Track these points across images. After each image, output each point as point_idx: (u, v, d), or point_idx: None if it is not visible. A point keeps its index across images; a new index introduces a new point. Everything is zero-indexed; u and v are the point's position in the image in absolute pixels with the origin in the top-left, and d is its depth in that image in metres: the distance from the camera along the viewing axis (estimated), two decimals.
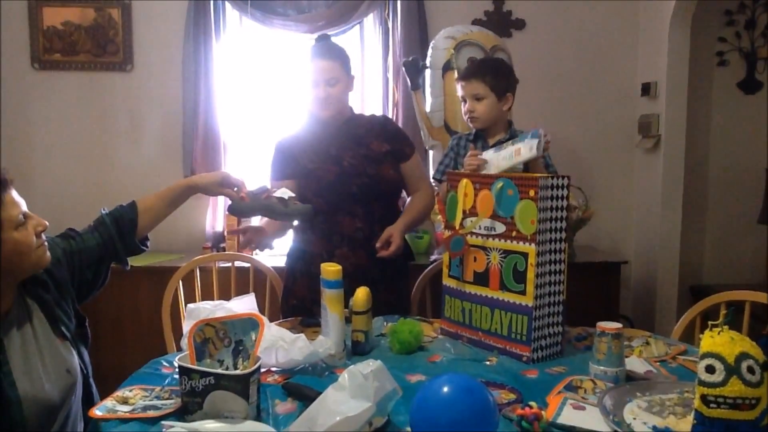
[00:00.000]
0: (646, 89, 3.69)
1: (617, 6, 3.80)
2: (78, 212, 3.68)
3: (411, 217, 2.29)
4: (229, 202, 2.00)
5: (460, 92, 2.29)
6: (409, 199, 2.39)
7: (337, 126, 2.28)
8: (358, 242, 2.21)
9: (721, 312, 1.28)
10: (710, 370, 1.16)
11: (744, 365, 1.16)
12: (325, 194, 2.18)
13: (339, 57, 2.24)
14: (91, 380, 1.74)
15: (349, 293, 1.82)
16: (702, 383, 1.16)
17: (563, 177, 1.78)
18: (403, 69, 3.26)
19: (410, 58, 3.25)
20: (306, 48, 2.31)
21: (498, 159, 2.02)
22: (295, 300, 2.28)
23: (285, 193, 1.98)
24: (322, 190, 2.19)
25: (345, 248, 2.21)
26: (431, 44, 3.24)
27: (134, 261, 3.36)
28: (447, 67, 3.12)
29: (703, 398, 1.16)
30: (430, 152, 3.33)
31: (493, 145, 2.24)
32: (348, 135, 2.28)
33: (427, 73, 3.20)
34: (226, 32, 3.62)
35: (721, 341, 1.19)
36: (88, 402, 1.67)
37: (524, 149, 1.94)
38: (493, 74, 2.25)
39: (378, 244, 2.16)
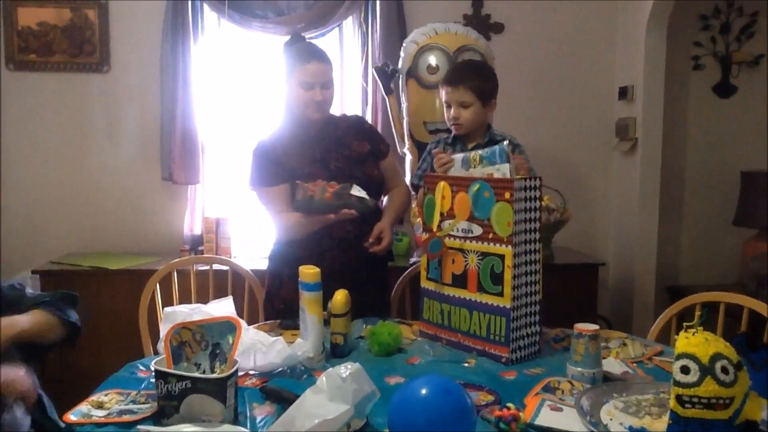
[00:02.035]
0: (623, 93, 3.72)
1: (595, 11, 3.83)
2: (54, 215, 3.66)
3: (394, 213, 2.33)
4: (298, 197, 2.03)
5: (444, 97, 2.27)
6: (387, 197, 2.40)
7: (317, 128, 2.27)
8: (347, 243, 2.22)
9: (696, 313, 1.29)
10: (685, 370, 1.18)
11: (718, 365, 1.17)
12: None
13: (330, 60, 2.26)
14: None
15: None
16: (677, 383, 1.18)
17: (536, 178, 1.79)
18: (374, 74, 3.23)
19: (380, 63, 3.21)
20: (291, 49, 2.26)
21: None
22: (282, 304, 2.26)
23: (360, 191, 2.04)
24: None
25: (335, 251, 2.21)
26: (403, 45, 3.20)
27: (112, 263, 3.36)
28: (408, 75, 3.07)
29: (678, 398, 1.17)
30: (407, 158, 3.28)
31: (472, 148, 2.25)
32: (329, 137, 2.28)
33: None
34: (204, 34, 3.59)
35: (695, 342, 1.21)
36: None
37: (497, 175, 1.88)
38: (480, 80, 2.24)
39: (370, 240, 2.17)
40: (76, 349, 1.97)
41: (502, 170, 1.88)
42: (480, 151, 1.96)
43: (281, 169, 2.21)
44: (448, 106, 2.26)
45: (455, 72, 2.31)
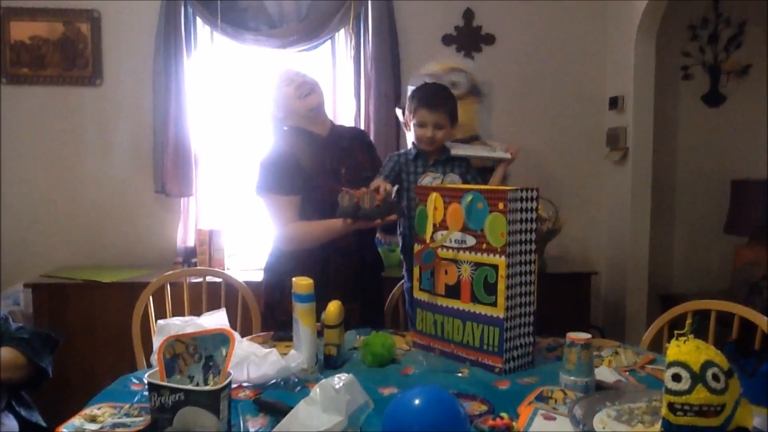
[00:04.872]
0: (614, 102, 3.75)
1: (585, 22, 3.86)
2: (46, 228, 3.65)
3: None
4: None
5: (417, 118, 2.29)
6: None
7: (324, 139, 2.32)
8: (351, 254, 2.26)
9: (687, 321, 1.30)
10: (676, 378, 1.18)
11: (709, 373, 1.18)
12: (325, 211, 2.19)
13: (303, 73, 2.36)
14: None
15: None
16: (668, 391, 1.18)
17: (532, 189, 1.80)
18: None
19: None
20: (277, 72, 2.36)
21: (473, 147, 2.38)
22: (284, 315, 2.24)
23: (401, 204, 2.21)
24: (324, 208, 2.19)
25: (338, 260, 2.24)
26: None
27: (104, 276, 3.36)
28: None
29: (670, 406, 1.18)
30: None
31: (433, 164, 2.32)
32: (337, 146, 2.33)
33: None
34: (196, 47, 3.61)
35: (686, 350, 1.21)
36: None
37: (500, 149, 2.34)
38: (452, 104, 2.32)
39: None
40: (67, 363, 1.97)
41: (501, 148, 2.36)
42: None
43: (297, 179, 2.23)
44: (422, 126, 2.29)
45: (432, 96, 2.33)
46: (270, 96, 2.34)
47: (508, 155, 2.33)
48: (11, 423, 1.88)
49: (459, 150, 2.33)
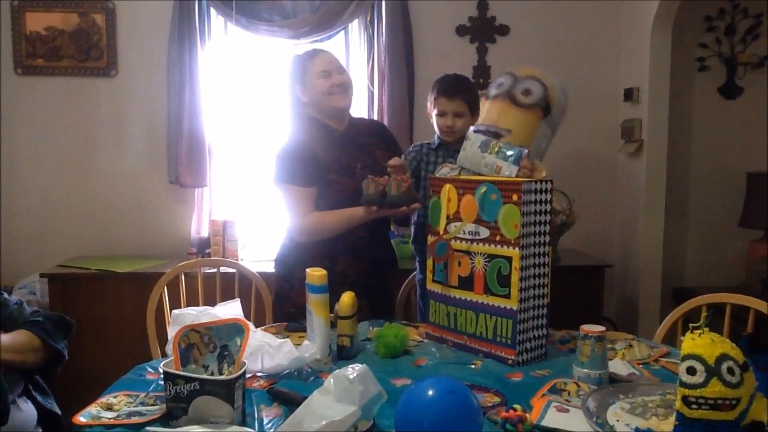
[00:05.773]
0: (629, 94, 3.72)
1: (600, 12, 3.83)
2: (61, 219, 3.68)
3: None
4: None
5: (438, 107, 2.36)
6: None
7: (341, 132, 2.30)
8: (360, 249, 2.25)
9: (702, 314, 1.29)
10: (691, 371, 1.18)
11: (724, 366, 1.17)
12: (338, 207, 2.20)
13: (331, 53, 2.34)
14: None
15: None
16: (683, 384, 1.18)
17: (546, 181, 1.80)
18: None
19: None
20: (295, 59, 2.33)
21: (480, 162, 2.03)
22: (292, 308, 2.26)
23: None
24: (336, 203, 2.20)
25: (348, 255, 2.24)
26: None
27: (119, 267, 3.38)
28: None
29: (685, 399, 1.18)
30: None
31: (453, 155, 2.28)
32: (354, 142, 2.31)
33: None
34: (211, 38, 3.61)
35: (701, 343, 1.21)
36: None
37: (504, 170, 1.95)
38: (471, 93, 2.38)
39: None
40: (81, 353, 1.98)
41: (509, 169, 1.92)
42: (502, 144, 2.00)
43: (313, 172, 2.22)
44: (442, 115, 2.34)
45: (450, 84, 2.40)
46: (299, 77, 2.27)
47: (510, 178, 1.99)
48: (29, 408, 1.90)
49: (464, 164, 2.15)
